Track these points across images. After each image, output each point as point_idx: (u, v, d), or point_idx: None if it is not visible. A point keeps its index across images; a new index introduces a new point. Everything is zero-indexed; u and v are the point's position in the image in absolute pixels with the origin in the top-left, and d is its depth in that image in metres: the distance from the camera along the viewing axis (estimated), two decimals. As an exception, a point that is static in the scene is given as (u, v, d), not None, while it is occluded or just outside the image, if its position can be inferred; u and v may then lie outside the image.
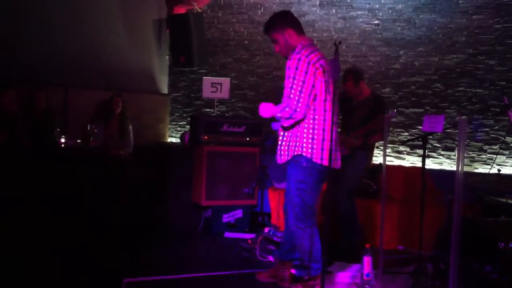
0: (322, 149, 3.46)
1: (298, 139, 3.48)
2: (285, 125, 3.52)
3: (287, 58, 3.53)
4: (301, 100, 3.38)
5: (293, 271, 3.66)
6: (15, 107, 5.26)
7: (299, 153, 3.46)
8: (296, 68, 3.39)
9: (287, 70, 3.46)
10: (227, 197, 5.35)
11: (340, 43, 3.28)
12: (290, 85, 3.41)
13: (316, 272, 3.56)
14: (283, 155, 3.55)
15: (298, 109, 3.39)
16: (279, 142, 3.60)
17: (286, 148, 3.54)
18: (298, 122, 3.49)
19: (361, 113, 4.58)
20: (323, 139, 3.46)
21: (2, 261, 3.92)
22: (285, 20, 3.57)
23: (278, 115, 3.48)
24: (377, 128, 4.41)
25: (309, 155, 3.45)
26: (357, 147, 4.55)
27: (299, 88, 3.38)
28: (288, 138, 3.54)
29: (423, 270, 3.78)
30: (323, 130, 3.47)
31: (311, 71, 3.40)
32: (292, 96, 3.39)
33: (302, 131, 3.47)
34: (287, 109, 3.41)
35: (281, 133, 3.60)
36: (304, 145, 3.45)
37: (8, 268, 3.80)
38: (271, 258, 4.33)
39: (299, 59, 3.41)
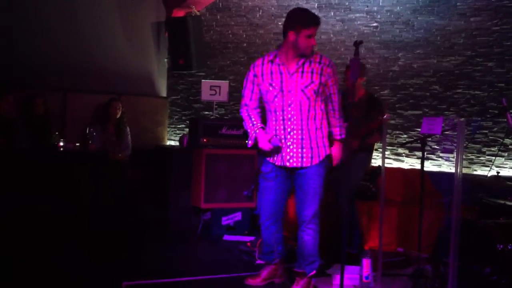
0: None
1: (324, 139, 3.59)
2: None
3: (306, 56, 3.61)
4: None
5: (297, 269, 3.67)
6: (14, 112, 5.26)
7: (328, 153, 3.60)
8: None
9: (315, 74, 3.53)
10: (226, 199, 5.35)
11: (361, 42, 3.19)
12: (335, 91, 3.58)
13: (316, 268, 3.64)
14: (314, 157, 3.54)
15: None
16: (301, 145, 3.52)
17: (316, 149, 3.54)
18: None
19: (355, 113, 4.53)
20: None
21: (2, 263, 3.91)
22: None
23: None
24: (376, 127, 4.39)
25: (329, 152, 3.62)
26: (356, 148, 4.53)
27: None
28: (315, 140, 3.54)
29: (423, 272, 3.78)
30: None
31: None
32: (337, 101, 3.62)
33: (325, 131, 3.61)
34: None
35: (298, 136, 3.53)
36: (327, 144, 3.61)
37: (7, 270, 3.79)
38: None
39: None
